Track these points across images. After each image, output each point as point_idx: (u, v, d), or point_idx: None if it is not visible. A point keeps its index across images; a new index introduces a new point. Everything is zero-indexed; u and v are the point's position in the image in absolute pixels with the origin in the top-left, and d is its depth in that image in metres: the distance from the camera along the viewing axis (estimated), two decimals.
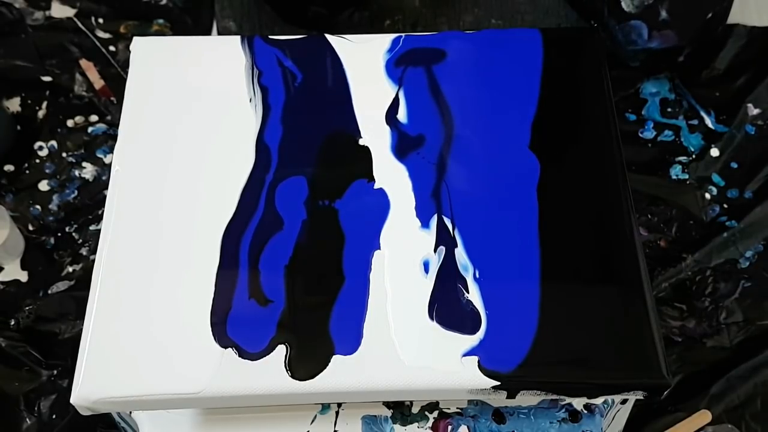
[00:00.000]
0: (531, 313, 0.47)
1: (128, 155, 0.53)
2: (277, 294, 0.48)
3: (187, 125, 0.55)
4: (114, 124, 0.83)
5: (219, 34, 0.88)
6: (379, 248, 0.50)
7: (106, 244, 0.50)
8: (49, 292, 0.74)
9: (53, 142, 0.82)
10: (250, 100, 0.56)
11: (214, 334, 0.47)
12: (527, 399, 0.50)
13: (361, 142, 0.54)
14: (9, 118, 0.82)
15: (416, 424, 0.52)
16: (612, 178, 0.53)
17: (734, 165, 0.81)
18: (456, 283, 0.49)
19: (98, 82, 0.85)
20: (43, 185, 0.80)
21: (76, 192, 0.80)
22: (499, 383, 0.45)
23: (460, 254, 0.50)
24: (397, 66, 0.58)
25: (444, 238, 0.50)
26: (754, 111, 0.84)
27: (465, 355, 0.46)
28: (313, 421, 0.52)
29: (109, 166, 0.61)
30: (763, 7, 0.90)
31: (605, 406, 0.54)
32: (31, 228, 0.78)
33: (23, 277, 0.75)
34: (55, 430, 0.68)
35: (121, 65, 0.87)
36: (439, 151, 0.54)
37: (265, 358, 0.46)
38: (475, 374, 0.45)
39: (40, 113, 0.84)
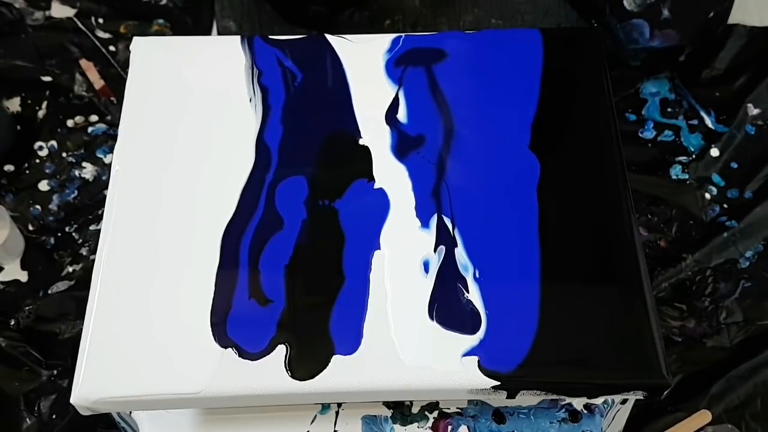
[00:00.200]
0: (531, 313, 0.47)
1: (128, 155, 0.53)
2: (277, 294, 0.48)
3: (187, 125, 0.55)
4: (114, 124, 0.83)
5: (219, 34, 0.88)
6: (379, 248, 0.50)
7: (106, 244, 0.50)
8: (49, 292, 0.74)
9: (53, 142, 0.83)
10: (250, 100, 0.56)
11: (214, 334, 0.47)
12: (527, 399, 0.50)
13: (361, 142, 0.54)
14: (9, 118, 0.82)
15: (416, 424, 0.52)
16: (612, 178, 0.53)
17: (734, 165, 0.81)
18: (456, 282, 0.49)
19: (98, 82, 0.85)
20: (43, 185, 0.80)
21: (76, 192, 0.80)
22: (499, 383, 0.45)
23: (460, 254, 0.50)
24: (397, 66, 0.58)
25: (444, 238, 0.50)
26: (754, 111, 0.84)
27: (465, 355, 0.46)
28: (313, 421, 0.52)
29: (109, 166, 0.61)
30: (763, 7, 0.89)
31: (605, 406, 0.54)
32: (31, 228, 0.78)
33: (23, 277, 0.75)
34: (55, 430, 0.68)
35: (121, 65, 0.87)
36: (438, 151, 0.54)
37: (265, 358, 0.46)
38: (475, 374, 0.45)
39: (40, 113, 0.84)
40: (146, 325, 0.47)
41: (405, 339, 0.47)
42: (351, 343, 0.46)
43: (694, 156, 0.82)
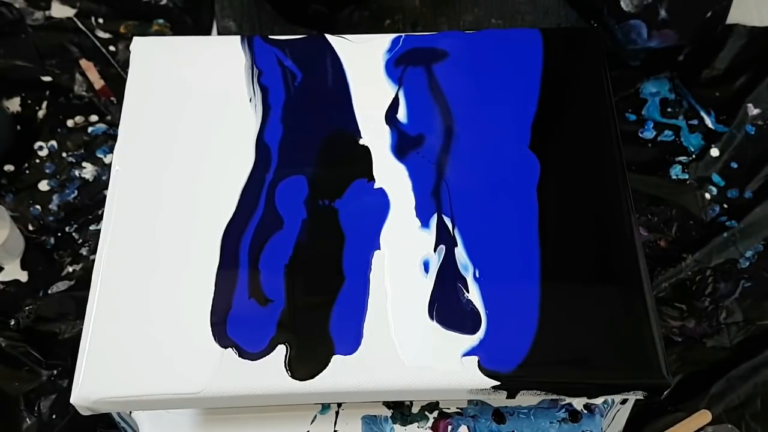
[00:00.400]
0: (531, 312, 0.47)
1: (128, 155, 0.53)
2: (277, 294, 0.48)
3: (187, 125, 0.55)
4: (114, 124, 0.83)
5: (219, 34, 0.88)
6: (379, 248, 0.50)
7: (106, 244, 0.50)
8: (49, 292, 0.74)
9: (53, 142, 0.82)
10: (250, 100, 0.56)
11: (214, 334, 0.47)
12: (527, 399, 0.50)
13: (361, 141, 0.54)
14: (9, 118, 0.82)
15: (416, 424, 0.52)
16: (612, 178, 0.53)
17: (734, 165, 0.81)
18: (456, 282, 0.49)
19: (98, 82, 0.85)
20: (43, 185, 0.80)
21: (76, 192, 0.80)
22: (499, 383, 0.45)
23: (460, 254, 0.50)
24: (397, 66, 0.58)
25: (444, 238, 0.50)
26: (754, 111, 0.84)
27: (465, 355, 0.46)
28: (313, 421, 0.52)
29: (109, 166, 0.61)
30: (763, 7, 0.90)
31: (605, 406, 0.54)
32: (31, 228, 0.78)
33: (23, 277, 0.75)
34: (55, 430, 0.68)
35: (121, 65, 0.87)
36: (438, 151, 0.54)
37: (265, 358, 0.46)
38: (475, 374, 0.45)
39: (40, 113, 0.84)
40: (146, 325, 0.47)
41: (405, 339, 0.47)
42: (351, 343, 0.46)
43: (694, 156, 0.82)
